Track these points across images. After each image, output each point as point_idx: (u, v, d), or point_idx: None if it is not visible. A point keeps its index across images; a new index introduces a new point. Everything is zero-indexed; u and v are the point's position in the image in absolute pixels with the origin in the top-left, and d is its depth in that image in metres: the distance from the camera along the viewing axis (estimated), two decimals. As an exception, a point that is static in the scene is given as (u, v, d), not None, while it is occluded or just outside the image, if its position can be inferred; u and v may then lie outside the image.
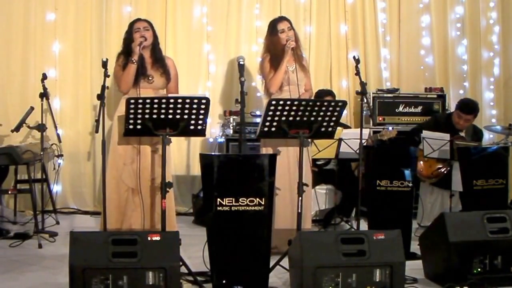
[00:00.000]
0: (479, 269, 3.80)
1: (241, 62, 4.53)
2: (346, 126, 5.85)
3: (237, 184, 3.74)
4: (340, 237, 3.49)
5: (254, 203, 3.73)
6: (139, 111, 3.92)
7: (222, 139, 6.19)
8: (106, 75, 4.19)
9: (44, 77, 5.39)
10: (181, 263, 3.65)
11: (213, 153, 5.90)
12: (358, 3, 6.85)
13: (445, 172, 5.51)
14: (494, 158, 5.01)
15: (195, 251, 4.32)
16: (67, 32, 6.29)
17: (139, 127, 4.00)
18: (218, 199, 3.71)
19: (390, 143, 5.48)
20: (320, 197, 5.54)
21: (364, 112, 5.86)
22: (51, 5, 6.24)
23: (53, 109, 5.79)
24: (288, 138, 4.24)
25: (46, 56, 6.23)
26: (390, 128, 5.97)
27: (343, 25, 6.84)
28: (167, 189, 3.98)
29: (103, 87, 4.17)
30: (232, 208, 3.72)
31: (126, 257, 3.33)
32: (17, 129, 5.33)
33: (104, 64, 4.19)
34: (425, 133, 5.31)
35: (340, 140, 5.14)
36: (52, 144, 5.67)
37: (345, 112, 5.34)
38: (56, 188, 6.03)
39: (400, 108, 6.48)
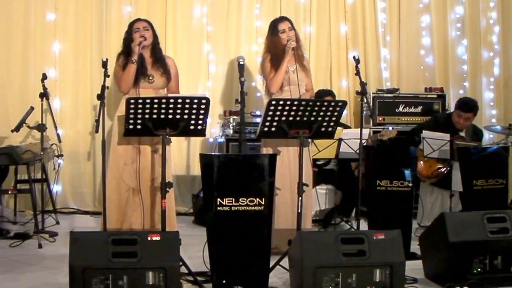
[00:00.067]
0: (479, 269, 3.80)
1: (241, 62, 4.53)
2: (346, 126, 5.85)
3: (237, 184, 3.74)
4: (340, 237, 3.49)
5: (254, 203, 3.73)
6: (139, 111, 3.91)
7: (222, 139, 6.19)
8: (106, 75, 4.19)
9: (44, 77, 5.39)
10: (181, 263, 3.64)
11: (213, 153, 5.89)
12: (358, 3, 6.85)
13: (445, 172, 5.51)
14: (494, 158, 5.01)
15: (195, 251, 4.32)
16: (67, 32, 6.28)
17: (139, 127, 3.99)
18: (218, 199, 3.70)
19: (390, 143, 5.47)
20: (320, 197, 5.54)
21: (364, 112, 5.86)
22: (51, 5, 6.23)
23: (53, 109, 5.78)
24: (288, 138, 4.24)
25: (46, 56, 6.23)
26: (390, 128, 5.96)
27: (343, 25, 6.84)
28: (167, 189, 3.97)
29: (103, 87, 4.17)
30: (232, 208, 3.71)
31: (126, 257, 3.33)
32: (17, 129, 5.33)
33: (104, 64, 4.19)
34: (425, 133, 5.31)
35: (340, 140, 5.15)
36: (52, 144, 5.66)
37: (345, 112, 5.34)
38: (56, 188, 6.03)
39: (400, 108, 6.48)
